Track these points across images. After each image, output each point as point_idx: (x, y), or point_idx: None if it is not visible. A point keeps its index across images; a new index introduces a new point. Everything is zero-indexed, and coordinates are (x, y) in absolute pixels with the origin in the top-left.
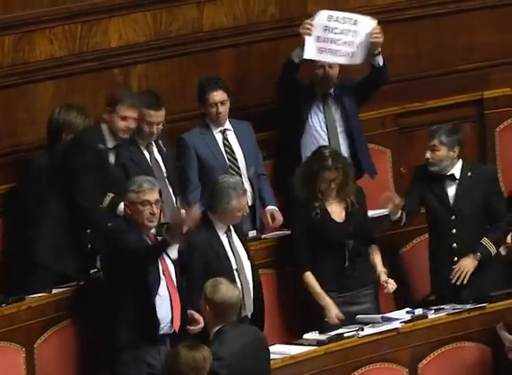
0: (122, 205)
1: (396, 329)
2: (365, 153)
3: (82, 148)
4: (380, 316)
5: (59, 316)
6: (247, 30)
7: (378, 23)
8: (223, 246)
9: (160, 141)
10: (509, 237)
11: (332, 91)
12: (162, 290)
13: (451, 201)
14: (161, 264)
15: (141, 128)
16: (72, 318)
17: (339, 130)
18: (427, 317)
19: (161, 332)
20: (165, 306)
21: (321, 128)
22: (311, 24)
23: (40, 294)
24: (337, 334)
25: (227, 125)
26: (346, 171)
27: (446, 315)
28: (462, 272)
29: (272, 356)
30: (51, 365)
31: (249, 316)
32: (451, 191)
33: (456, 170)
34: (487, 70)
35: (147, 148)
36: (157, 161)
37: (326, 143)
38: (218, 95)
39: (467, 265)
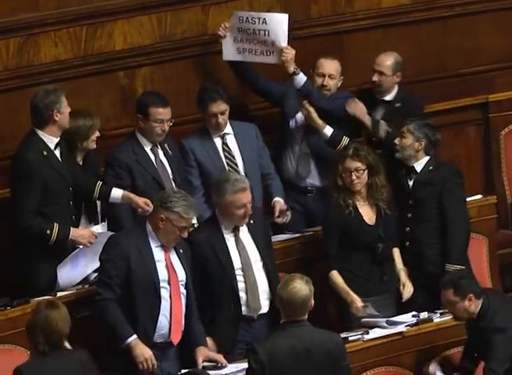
0: (115, 192)
1: (401, 332)
2: None
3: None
4: (385, 319)
5: None
6: None
7: (383, 27)
8: (225, 244)
9: (166, 144)
10: None
11: None
12: (164, 298)
13: (410, 187)
14: (169, 274)
15: (151, 129)
16: (77, 321)
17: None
18: (432, 321)
19: (156, 340)
20: (164, 314)
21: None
22: (225, 26)
23: (44, 298)
24: (342, 338)
25: (227, 129)
26: (371, 163)
27: (452, 318)
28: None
29: None
30: None
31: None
32: (410, 180)
33: (419, 165)
34: (492, 74)
35: (152, 150)
36: (162, 163)
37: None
38: (218, 106)
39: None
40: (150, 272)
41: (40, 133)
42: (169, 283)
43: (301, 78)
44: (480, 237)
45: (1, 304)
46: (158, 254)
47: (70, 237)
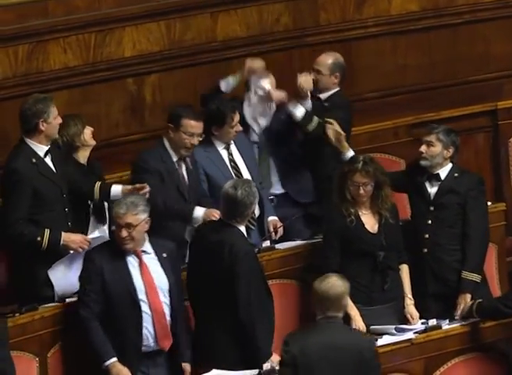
0: (115, 188)
1: (409, 339)
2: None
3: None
4: (394, 326)
5: (72, 326)
6: (261, 39)
7: (392, 34)
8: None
9: (188, 159)
10: None
11: None
12: (144, 311)
13: (432, 196)
14: (145, 283)
15: (180, 140)
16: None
17: None
18: (441, 328)
19: (145, 350)
20: (146, 327)
21: None
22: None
23: (53, 304)
24: None
25: None
26: (378, 178)
27: (460, 325)
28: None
29: None
30: (63, 374)
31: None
32: (433, 189)
33: (444, 172)
34: (501, 81)
35: (178, 162)
36: (184, 177)
37: None
38: (237, 116)
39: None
40: (126, 285)
41: (29, 141)
42: (147, 295)
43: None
44: (489, 244)
45: (10, 311)
46: (132, 264)
47: (62, 242)
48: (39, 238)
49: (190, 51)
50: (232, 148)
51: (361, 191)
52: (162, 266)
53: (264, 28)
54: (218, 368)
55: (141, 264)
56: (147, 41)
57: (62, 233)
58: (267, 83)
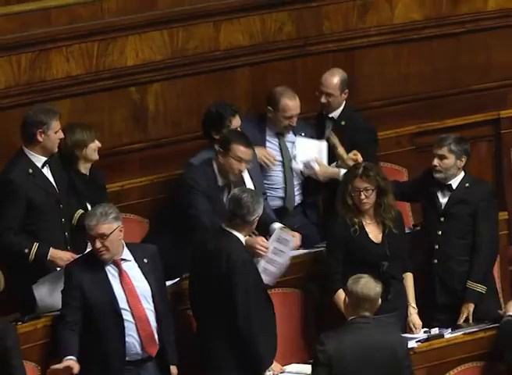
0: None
1: (412, 348)
2: None
3: None
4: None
5: None
6: (264, 48)
7: (394, 43)
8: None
9: (232, 186)
10: None
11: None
12: (126, 320)
13: (443, 206)
14: (125, 292)
15: (229, 165)
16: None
17: None
18: (443, 336)
19: (135, 358)
20: (130, 335)
21: None
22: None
23: (55, 313)
24: None
25: None
26: (380, 184)
27: (463, 334)
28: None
29: None
30: None
31: None
32: (445, 198)
33: (455, 182)
34: (504, 90)
35: (223, 187)
36: (225, 205)
37: None
38: (237, 120)
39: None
40: (107, 296)
41: (27, 151)
42: (129, 304)
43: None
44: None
45: (13, 319)
46: (111, 273)
47: (49, 257)
48: (27, 250)
49: (192, 60)
50: None
51: (362, 197)
52: (143, 271)
53: (267, 37)
54: None
55: (121, 273)
56: (150, 49)
57: (51, 249)
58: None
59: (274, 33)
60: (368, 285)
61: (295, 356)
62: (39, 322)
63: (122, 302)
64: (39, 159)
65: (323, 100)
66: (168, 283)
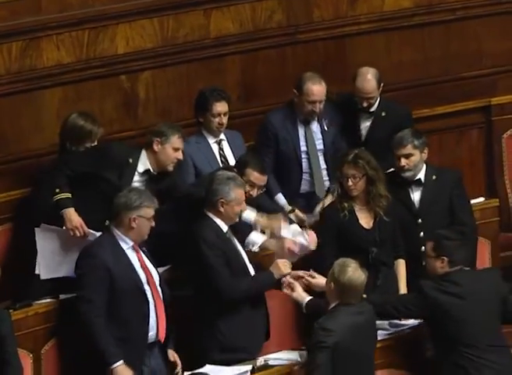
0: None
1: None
2: None
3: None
4: (388, 321)
5: (66, 322)
6: (254, 36)
7: (385, 30)
8: (232, 243)
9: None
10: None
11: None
12: (148, 300)
13: (417, 205)
14: (146, 274)
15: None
16: (79, 324)
17: None
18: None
19: (149, 341)
20: (151, 315)
21: None
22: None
23: (47, 301)
24: None
25: (222, 135)
26: (367, 172)
27: None
28: None
29: (279, 362)
30: (57, 371)
31: None
32: (417, 195)
33: (422, 175)
34: (495, 77)
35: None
36: None
37: None
38: (222, 106)
39: None
40: (132, 276)
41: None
42: (149, 284)
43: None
44: (482, 240)
45: (4, 307)
46: (132, 256)
47: (63, 211)
48: (57, 190)
49: (183, 48)
50: (224, 144)
51: (350, 183)
52: (149, 258)
53: (257, 25)
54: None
55: (139, 256)
56: (141, 37)
57: (69, 209)
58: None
59: (264, 21)
60: (355, 274)
61: (288, 342)
62: (30, 309)
63: (145, 284)
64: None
65: (365, 104)
66: (161, 269)
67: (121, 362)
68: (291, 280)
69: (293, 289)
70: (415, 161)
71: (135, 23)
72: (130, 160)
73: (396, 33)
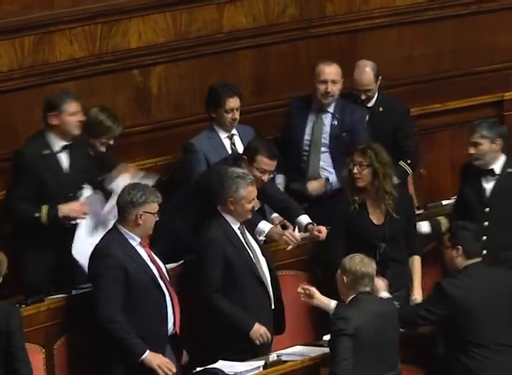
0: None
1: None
2: None
3: None
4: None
5: (78, 318)
6: (267, 31)
7: (398, 25)
8: (240, 240)
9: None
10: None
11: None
12: (164, 293)
13: (487, 194)
14: (157, 268)
15: (252, 174)
16: (91, 319)
17: None
18: None
19: (168, 333)
20: (168, 308)
21: None
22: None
23: (59, 296)
24: None
25: (234, 130)
26: (373, 164)
27: None
28: None
29: (291, 357)
30: (70, 366)
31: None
32: (489, 185)
33: (497, 166)
34: (507, 72)
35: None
36: None
37: None
38: (235, 102)
39: None
40: (147, 272)
41: (48, 132)
42: (161, 278)
43: None
44: None
45: (16, 302)
46: (142, 252)
47: (60, 214)
48: (37, 214)
49: (195, 43)
50: (236, 138)
51: (355, 171)
52: (156, 254)
53: (270, 19)
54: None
55: (147, 251)
56: (153, 32)
57: (59, 206)
58: None
59: (277, 16)
60: (364, 261)
61: (301, 337)
62: (42, 305)
63: (159, 279)
64: (57, 143)
65: (363, 97)
66: (170, 265)
67: (147, 351)
68: (305, 286)
69: (310, 296)
70: (483, 150)
71: (148, 17)
72: (44, 152)
73: (409, 27)
